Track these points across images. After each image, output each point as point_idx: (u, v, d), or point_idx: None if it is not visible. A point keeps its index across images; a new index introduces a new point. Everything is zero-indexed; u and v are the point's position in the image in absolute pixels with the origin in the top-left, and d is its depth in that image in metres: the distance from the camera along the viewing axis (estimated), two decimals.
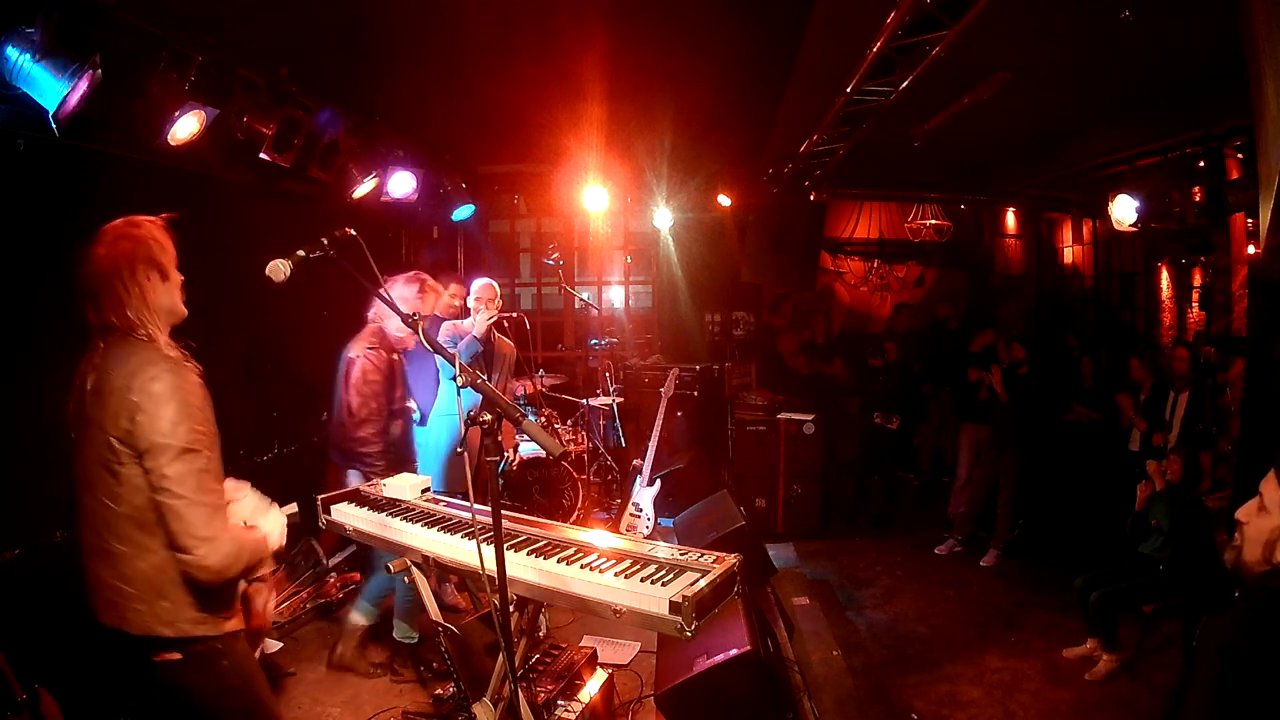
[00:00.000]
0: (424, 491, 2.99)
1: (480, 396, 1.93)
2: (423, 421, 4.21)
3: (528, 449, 5.59)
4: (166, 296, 1.93)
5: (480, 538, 2.03)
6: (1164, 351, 6.78)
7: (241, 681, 1.98)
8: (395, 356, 3.75)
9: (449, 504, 2.82)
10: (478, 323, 4.23)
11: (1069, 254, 9.07)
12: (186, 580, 1.84)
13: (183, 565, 1.80)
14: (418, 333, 2.00)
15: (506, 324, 6.05)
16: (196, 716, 1.94)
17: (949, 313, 8.33)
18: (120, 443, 1.76)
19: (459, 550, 2.46)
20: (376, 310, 3.74)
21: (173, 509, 1.77)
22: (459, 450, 4.28)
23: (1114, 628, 3.87)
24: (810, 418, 6.09)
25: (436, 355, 2.15)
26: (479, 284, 4.49)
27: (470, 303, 4.46)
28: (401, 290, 3.86)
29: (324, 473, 4.80)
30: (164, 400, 1.77)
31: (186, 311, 1.99)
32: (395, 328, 3.71)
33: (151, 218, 2.01)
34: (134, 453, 1.76)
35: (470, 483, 2.09)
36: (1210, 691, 1.56)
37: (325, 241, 1.97)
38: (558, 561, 2.26)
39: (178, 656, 1.88)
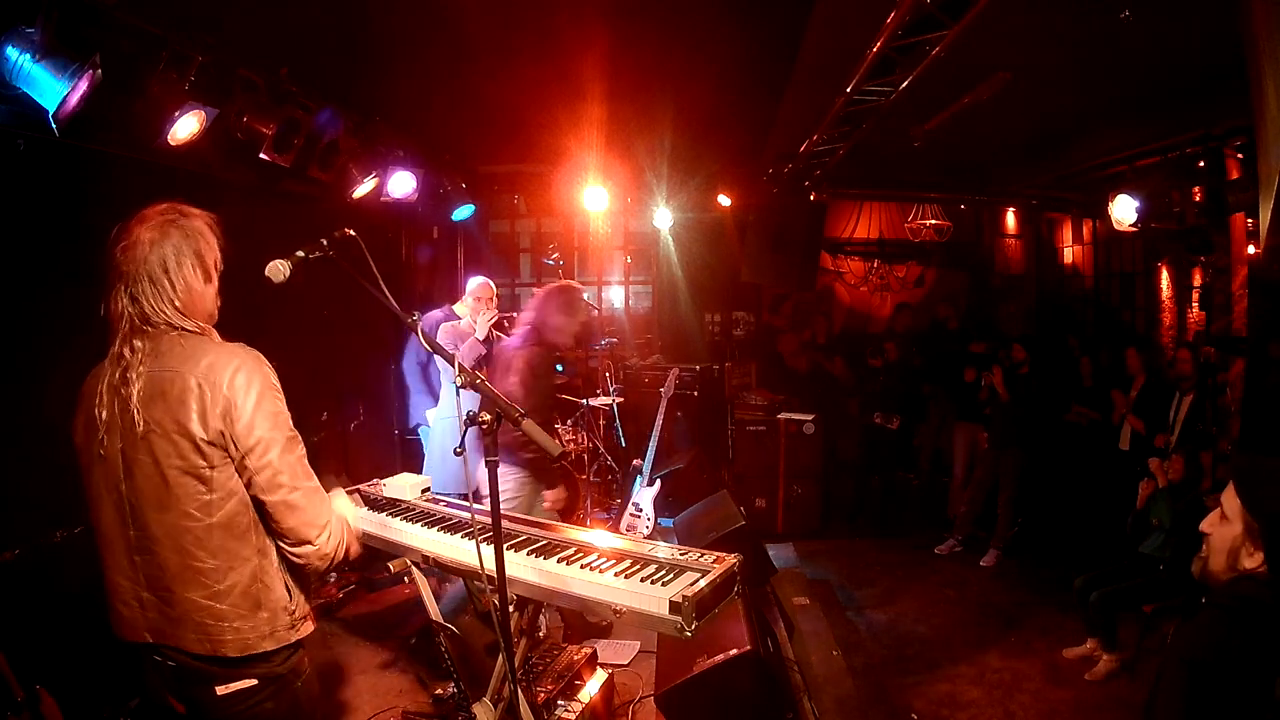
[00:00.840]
0: (424, 491, 2.99)
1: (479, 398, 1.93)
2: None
3: None
4: (204, 301, 1.82)
5: (480, 538, 2.03)
6: (1164, 351, 6.79)
7: (311, 703, 1.85)
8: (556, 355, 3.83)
9: (449, 504, 2.82)
10: (479, 325, 4.22)
11: (1069, 254, 9.07)
12: (282, 582, 1.76)
13: (302, 559, 1.74)
14: (416, 332, 2.00)
15: (507, 324, 6.06)
16: None
17: (948, 313, 8.33)
18: (212, 445, 1.62)
19: (459, 550, 2.46)
20: (534, 308, 3.74)
21: (290, 502, 1.68)
22: (457, 451, 4.27)
23: (1114, 628, 3.87)
24: (810, 418, 6.09)
25: (436, 356, 2.16)
26: (476, 283, 4.50)
27: (468, 302, 4.47)
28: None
29: (329, 472, 4.81)
30: (256, 392, 1.67)
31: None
32: (555, 327, 3.66)
33: (201, 210, 1.91)
34: (229, 453, 1.64)
35: (470, 483, 2.09)
36: (1177, 701, 1.58)
37: (325, 241, 1.96)
38: (558, 561, 2.26)
39: (253, 683, 1.71)
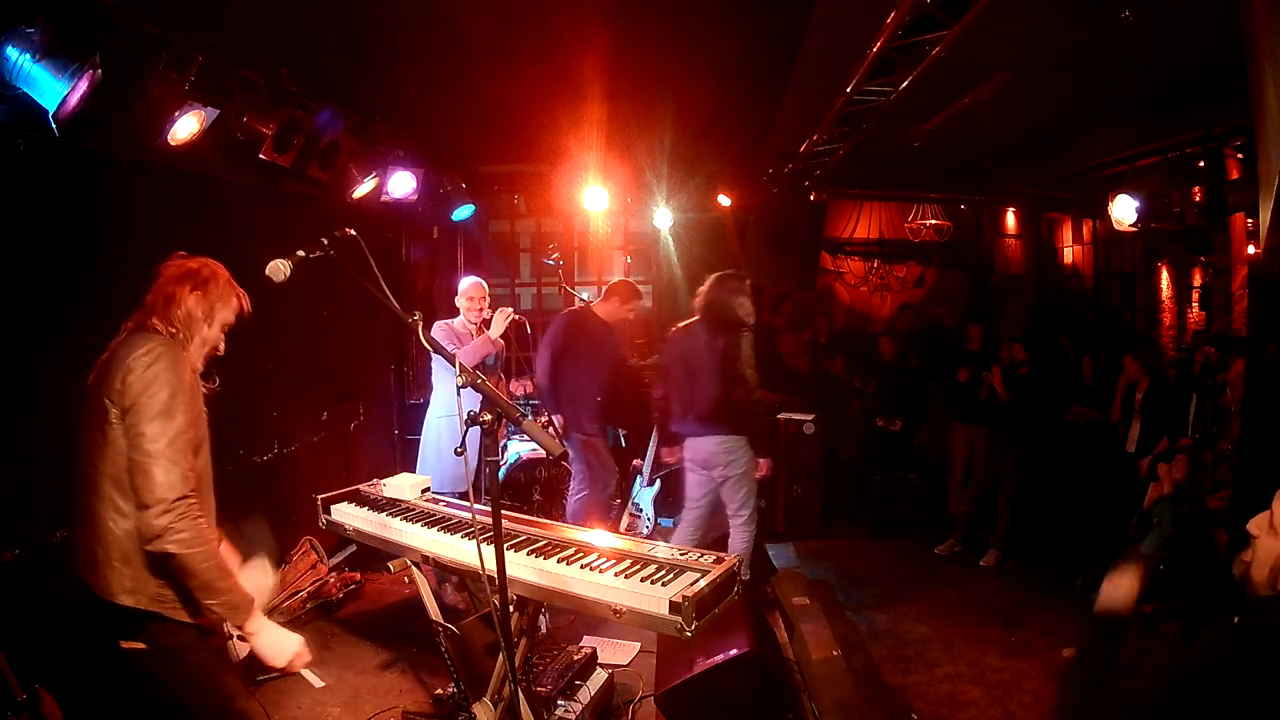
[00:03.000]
0: (424, 491, 3.00)
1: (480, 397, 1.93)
2: None
3: (528, 449, 5.59)
4: (202, 334, 2.09)
5: (480, 538, 2.03)
6: (1164, 351, 6.79)
7: (210, 679, 2.02)
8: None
9: (449, 504, 2.82)
10: (496, 323, 4.40)
11: (1069, 254, 9.07)
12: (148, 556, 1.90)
13: (138, 523, 1.86)
14: (418, 332, 2.00)
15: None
16: (173, 712, 2.01)
17: (941, 312, 8.36)
18: (111, 403, 1.89)
19: (459, 550, 2.46)
20: (711, 302, 4.13)
21: (140, 465, 1.85)
22: (457, 451, 4.28)
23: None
24: (810, 418, 6.09)
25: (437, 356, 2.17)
26: (468, 283, 4.52)
27: (461, 302, 4.51)
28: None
29: (329, 472, 4.81)
30: (153, 368, 1.90)
31: (222, 351, 2.16)
32: (738, 307, 4.11)
33: (237, 289, 2.17)
34: (120, 410, 1.88)
35: (469, 483, 2.09)
36: (1148, 705, 1.52)
37: (325, 241, 1.97)
38: (558, 561, 2.26)
39: (143, 646, 1.93)
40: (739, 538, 4.12)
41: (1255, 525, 1.51)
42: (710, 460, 4.04)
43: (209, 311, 2.09)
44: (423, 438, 4.61)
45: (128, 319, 2.09)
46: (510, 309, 4.49)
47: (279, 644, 2.06)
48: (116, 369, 1.92)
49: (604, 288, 5.00)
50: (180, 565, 1.88)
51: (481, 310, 4.53)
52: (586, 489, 5.02)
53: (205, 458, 2.11)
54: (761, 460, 4.13)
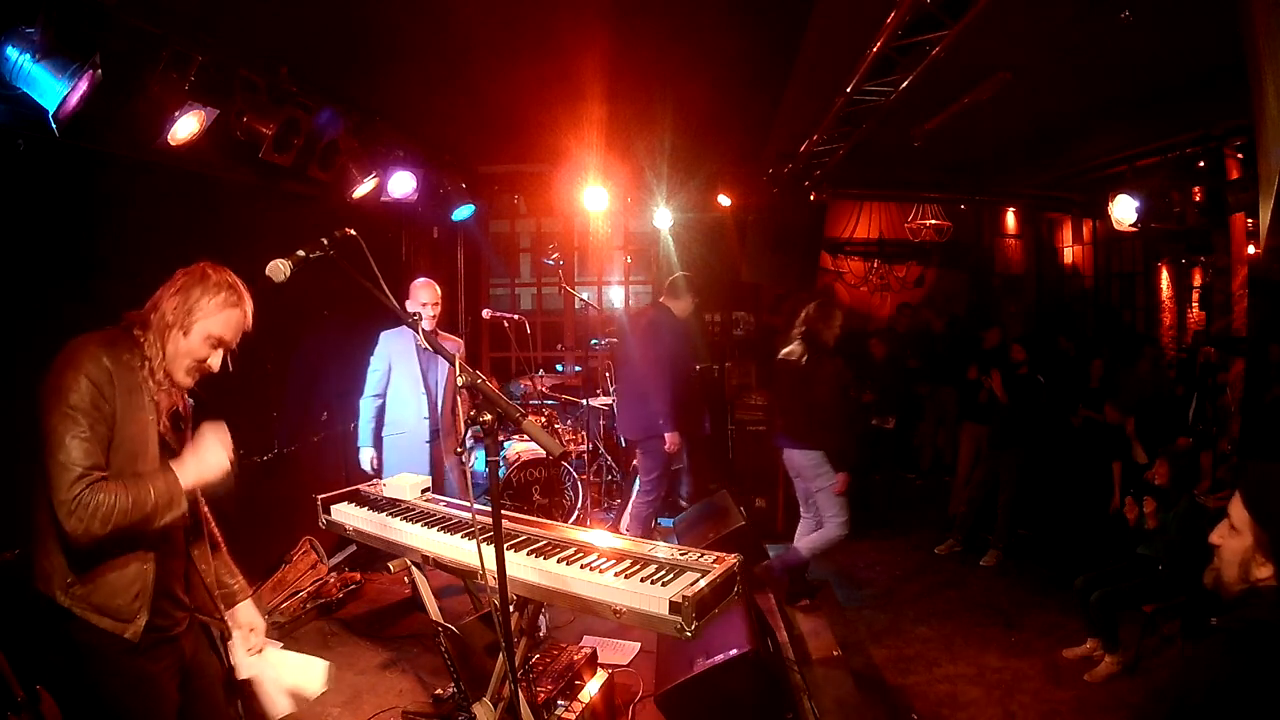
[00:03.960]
0: (424, 491, 3.00)
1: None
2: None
3: (528, 449, 5.60)
4: (175, 342, 1.96)
5: (480, 538, 2.03)
6: (1164, 352, 6.79)
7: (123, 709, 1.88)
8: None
9: (449, 504, 2.82)
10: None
11: (1069, 254, 9.08)
12: (61, 548, 1.83)
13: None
14: (417, 332, 2.00)
15: (508, 324, 6.07)
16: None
17: (929, 316, 8.38)
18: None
19: (459, 550, 2.46)
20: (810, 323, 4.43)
21: (46, 464, 1.79)
22: (458, 451, 4.28)
23: (1114, 628, 3.87)
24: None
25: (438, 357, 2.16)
26: (425, 283, 4.33)
27: (414, 307, 4.22)
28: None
29: (329, 472, 4.81)
30: (59, 363, 1.84)
31: (214, 368, 2.02)
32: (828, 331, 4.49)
33: (239, 290, 2.02)
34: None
35: (468, 483, 2.09)
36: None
37: (325, 241, 1.96)
38: (558, 561, 2.26)
39: (61, 659, 1.87)
40: (828, 531, 4.43)
41: (1217, 536, 1.59)
42: (804, 472, 4.42)
43: (185, 317, 1.94)
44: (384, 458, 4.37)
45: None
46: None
47: (211, 456, 1.94)
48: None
49: (671, 283, 4.88)
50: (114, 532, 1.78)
51: (435, 317, 4.28)
52: (655, 493, 4.94)
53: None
54: (839, 475, 4.31)
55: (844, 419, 4.45)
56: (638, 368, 4.80)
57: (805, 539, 4.51)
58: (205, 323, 1.96)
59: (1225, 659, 1.44)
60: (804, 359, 4.35)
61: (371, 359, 4.29)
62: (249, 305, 2.04)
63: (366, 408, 4.28)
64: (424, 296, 4.26)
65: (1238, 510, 1.54)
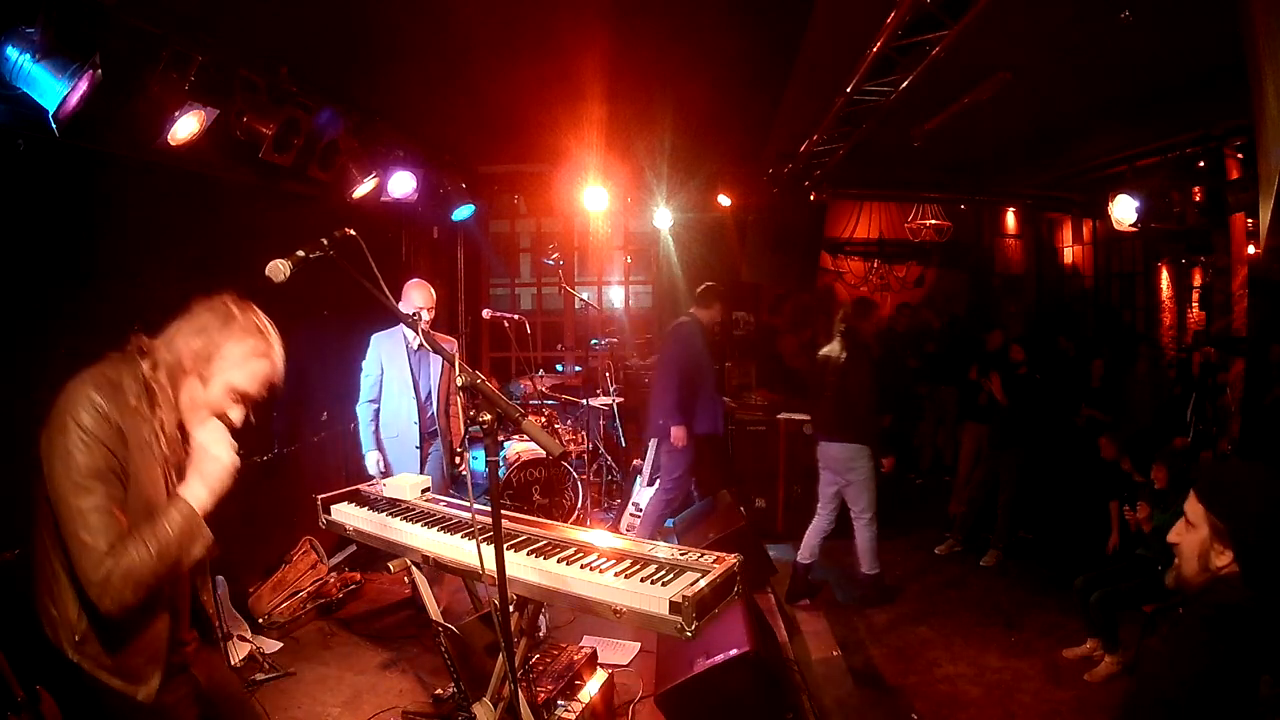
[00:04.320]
0: (424, 491, 2.99)
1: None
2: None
3: (528, 449, 5.60)
4: (190, 390, 1.78)
5: (480, 538, 2.03)
6: (1164, 352, 6.79)
7: None
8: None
9: (449, 504, 2.82)
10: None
11: (1069, 254, 9.08)
12: (75, 598, 1.67)
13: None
14: (417, 332, 2.00)
15: (508, 324, 6.07)
16: None
17: (928, 315, 8.38)
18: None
19: (459, 550, 2.46)
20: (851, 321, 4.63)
21: (65, 529, 1.63)
22: (458, 452, 4.28)
23: (1115, 628, 3.87)
24: (810, 418, 6.08)
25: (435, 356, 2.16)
26: (422, 286, 4.26)
27: (407, 310, 4.10)
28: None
29: (329, 472, 4.82)
30: (56, 405, 1.64)
31: (234, 423, 1.82)
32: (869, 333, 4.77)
33: (269, 336, 1.85)
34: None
35: (469, 484, 2.09)
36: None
37: (325, 241, 1.95)
38: (558, 561, 2.26)
39: (76, 695, 1.70)
40: (862, 535, 4.60)
41: (1174, 535, 1.67)
42: (837, 465, 4.55)
43: (204, 365, 1.75)
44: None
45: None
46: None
47: (211, 464, 1.74)
48: (45, 423, 1.65)
49: (701, 293, 5.15)
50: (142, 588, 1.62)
51: (429, 322, 4.19)
52: (675, 492, 5.09)
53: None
54: (885, 459, 4.61)
55: (876, 413, 4.65)
56: (668, 371, 5.05)
57: (864, 549, 4.67)
58: (228, 374, 1.77)
59: (1202, 644, 1.50)
60: (844, 355, 4.48)
61: (363, 364, 4.23)
62: (280, 353, 1.86)
63: (364, 413, 4.21)
64: (418, 300, 4.14)
65: (1192, 506, 1.63)
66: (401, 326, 4.18)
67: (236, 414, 1.82)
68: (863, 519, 4.54)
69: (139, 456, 1.68)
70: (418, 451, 4.16)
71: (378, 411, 4.23)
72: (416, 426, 4.17)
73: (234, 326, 1.78)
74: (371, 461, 4.20)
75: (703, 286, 5.15)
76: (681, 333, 5.09)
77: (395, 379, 4.21)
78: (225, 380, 1.78)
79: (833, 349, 4.65)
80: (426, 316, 4.13)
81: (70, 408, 1.63)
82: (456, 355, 1.95)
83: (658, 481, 5.32)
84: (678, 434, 4.82)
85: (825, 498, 4.73)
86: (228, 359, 1.78)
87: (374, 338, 4.23)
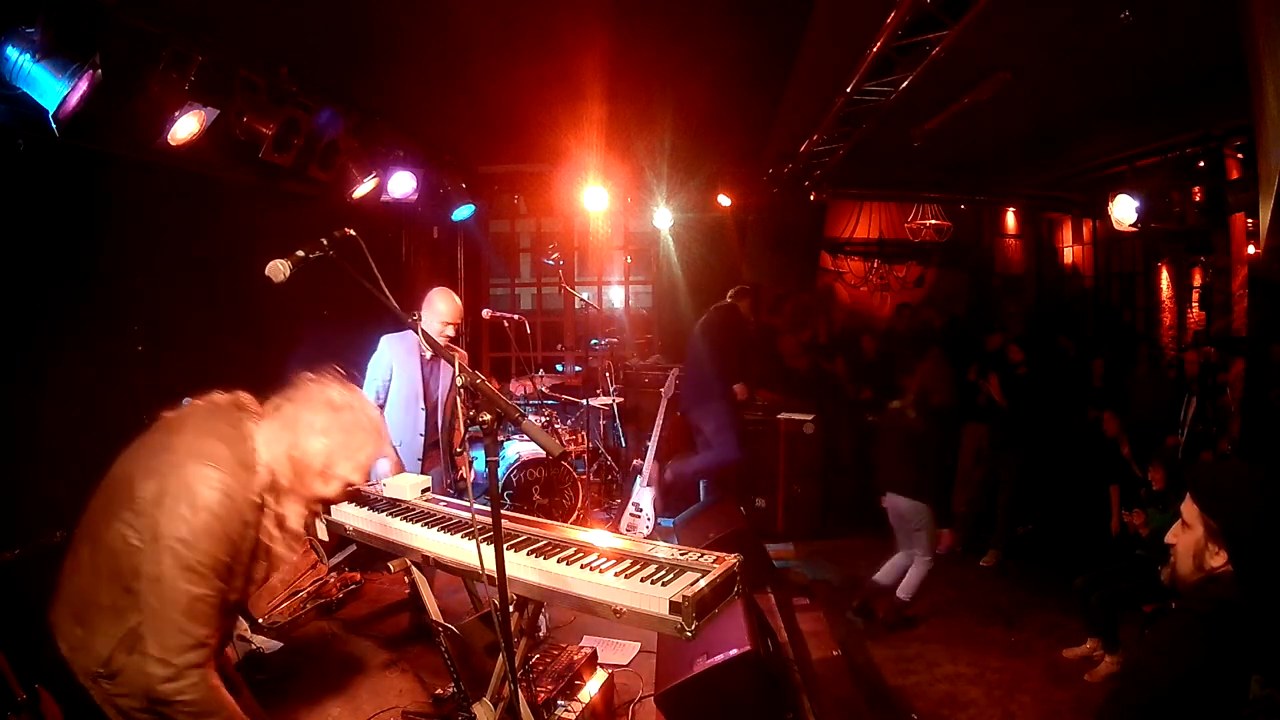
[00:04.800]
0: (424, 491, 2.99)
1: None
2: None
3: (528, 449, 5.59)
4: (313, 488, 1.81)
5: (480, 538, 2.03)
6: (1164, 352, 6.79)
7: None
8: None
9: (449, 504, 2.82)
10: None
11: (1069, 254, 9.08)
12: (110, 636, 1.65)
13: (136, 666, 1.62)
14: (417, 331, 2.00)
15: (507, 324, 6.07)
16: None
17: (930, 315, 8.37)
18: (133, 514, 1.62)
19: (459, 550, 2.46)
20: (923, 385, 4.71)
21: (151, 609, 1.59)
22: (457, 452, 4.27)
23: (1115, 628, 3.87)
24: (810, 418, 6.09)
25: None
26: (451, 298, 3.98)
27: (434, 324, 3.86)
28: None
29: None
30: (200, 514, 1.60)
31: (316, 509, 1.85)
32: None
33: (380, 428, 1.88)
34: (140, 533, 1.61)
35: (468, 484, 2.09)
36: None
37: (325, 241, 1.95)
38: (558, 561, 2.26)
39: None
40: (917, 570, 4.57)
41: (1171, 536, 1.69)
42: (906, 518, 4.63)
43: (331, 466, 1.78)
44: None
45: (224, 388, 1.82)
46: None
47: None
48: (159, 476, 1.62)
49: (741, 290, 5.68)
50: None
51: (456, 337, 3.97)
52: (726, 453, 5.44)
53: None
54: (943, 532, 4.61)
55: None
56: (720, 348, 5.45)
57: (911, 579, 4.63)
58: (349, 472, 1.81)
59: (1195, 640, 1.51)
60: (916, 420, 4.61)
61: (370, 365, 3.94)
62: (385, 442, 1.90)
63: None
64: (446, 314, 3.81)
65: (1188, 506, 1.65)
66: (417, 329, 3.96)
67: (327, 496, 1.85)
68: (925, 560, 4.57)
69: (245, 551, 1.70)
70: (420, 464, 3.94)
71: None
72: (422, 439, 3.92)
73: (359, 431, 1.83)
74: (382, 468, 3.95)
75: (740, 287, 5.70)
76: (731, 318, 5.52)
77: (405, 386, 3.94)
78: (345, 479, 1.84)
79: (903, 408, 4.69)
80: (450, 333, 3.83)
81: (204, 486, 1.61)
82: (458, 356, 1.94)
83: (657, 472, 5.37)
84: (741, 389, 5.37)
85: (906, 542, 4.75)
86: (355, 461, 1.82)
87: (385, 340, 3.94)
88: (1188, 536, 1.63)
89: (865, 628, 4.51)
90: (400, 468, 4.02)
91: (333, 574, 4.55)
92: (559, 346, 7.62)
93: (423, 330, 2.01)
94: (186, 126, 3.10)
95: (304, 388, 1.87)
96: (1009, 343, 5.80)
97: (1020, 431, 5.43)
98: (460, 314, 3.88)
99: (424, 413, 3.92)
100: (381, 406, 3.94)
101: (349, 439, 1.80)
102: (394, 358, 3.94)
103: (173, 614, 1.58)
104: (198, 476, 1.62)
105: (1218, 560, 1.56)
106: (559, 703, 2.84)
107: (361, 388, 3.95)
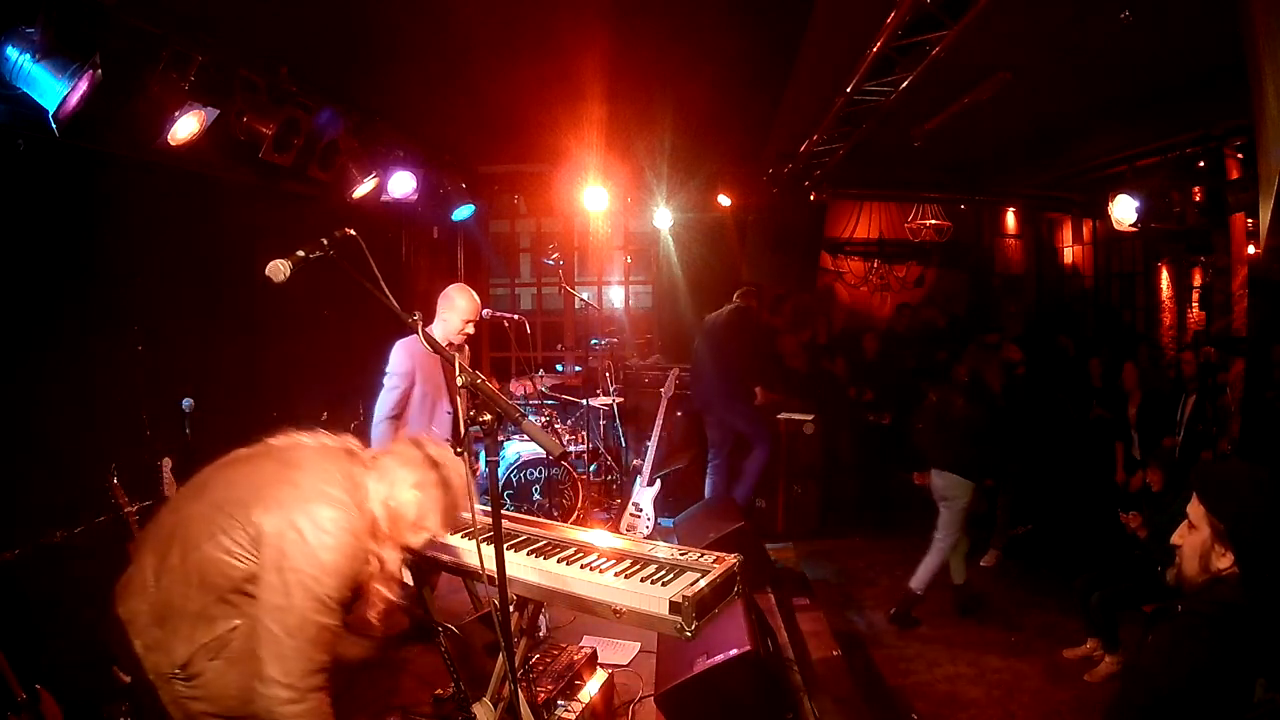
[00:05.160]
0: None
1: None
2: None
3: (528, 449, 5.59)
4: (404, 536, 1.89)
5: (480, 538, 2.03)
6: (1164, 351, 6.79)
7: None
8: None
9: None
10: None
11: (1069, 254, 9.08)
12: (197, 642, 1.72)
13: (256, 691, 1.69)
14: (417, 332, 2.00)
15: (507, 324, 6.07)
16: None
17: (933, 314, 8.37)
18: (245, 550, 1.70)
19: (459, 550, 2.46)
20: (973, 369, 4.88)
21: (273, 637, 1.68)
22: (458, 451, 4.24)
23: (1115, 628, 3.87)
24: (810, 418, 6.09)
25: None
26: (471, 297, 3.82)
27: (454, 319, 3.75)
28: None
29: None
30: (328, 554, 1.71)
31: (405, 556, 1.94)
32: None
33: (466, 484, 1.96)
34: (259, 567, 1.70)
35: (469, 484, 2.08)
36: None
37: (325, 241, 1.95)
38: (558, 561, 2.26)
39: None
40: (936, 557, 4.62)
41: (1177, 537, 1.69)
42: (948, 494, 4.67)
43: (420, 519, 1.89)
44: None
45: (323, 426, 1.93)
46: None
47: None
48: (284, 510, 1.71)
49: (749, 290, 5.85)
50: None
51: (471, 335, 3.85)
52: (769, 443, 5.68)
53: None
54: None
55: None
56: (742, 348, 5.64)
57: (921, 572, 4.66)
58: (437, 528, 1.95)
59: (1199, 641, 1.50)
60: (971, 399, 4.73)
61: (390, 373, 3.68)
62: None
63: (384, 434, 3.58)
64: (467, 310, 3.68)
65: (1194, 507, 1.65)
66: (437, 330, 3.72)
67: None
68: (943, 544, 4.64)
69: (358, 588, 1.83)
70: None
71: (396, 429, 3.66)
72: (449, 441, 3.75)
73: (450, 489, 1.93)
74: None
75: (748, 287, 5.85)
76: (749, 319, 5.69)
77: (430, 392, 3.75)
78: (429, 530, 1.93)
79: (956, 388, 4.91)
80: (470, 330, 3.74)
81: (334, 526, 1.73)
82: (458, 358, 1.94)
83: (658, 482, 5.34)
84: (762, 393, 5.57)
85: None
86: (436, 517, 1.92)
87: (404, 343, 3.70)
88: (1194, 538, 1.62)
89: (870, 631, 4.51)
90: None
91: None
92: (559, 346, 7.62)
93: (423, 331, 2.00)
94: (186, 126, 3.09)
95: (403, 444, 1.99)
96: (1006, 342, 5.80)
97: (1019, 431, 5.42)
98: (479, 311, 3.79)
99: (449, 418, 3.77)
100: (400, 417, 3.72)
101: (440, 496, 1.92)
102: (416, 363, 3.73)
103: (300, 642, 1.69)
104: (328, 518, 1.73)
105: (1224, 562, 1.56)
106: (559, 703, 2.84)
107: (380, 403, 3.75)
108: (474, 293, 3.78)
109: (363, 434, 5.38)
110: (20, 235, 2.80)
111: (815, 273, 8.41)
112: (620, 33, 3.75)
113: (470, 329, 3.73)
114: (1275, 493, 1.57)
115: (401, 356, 3.69)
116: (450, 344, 3.67)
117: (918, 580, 4.56)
